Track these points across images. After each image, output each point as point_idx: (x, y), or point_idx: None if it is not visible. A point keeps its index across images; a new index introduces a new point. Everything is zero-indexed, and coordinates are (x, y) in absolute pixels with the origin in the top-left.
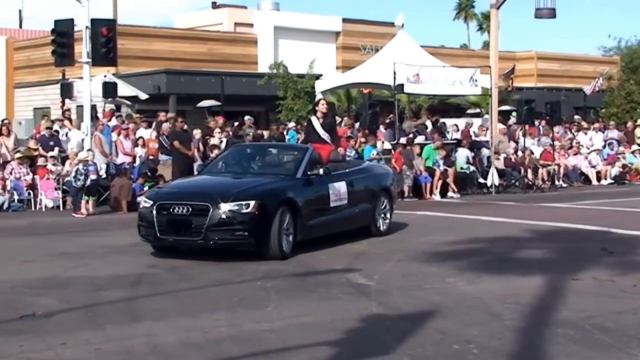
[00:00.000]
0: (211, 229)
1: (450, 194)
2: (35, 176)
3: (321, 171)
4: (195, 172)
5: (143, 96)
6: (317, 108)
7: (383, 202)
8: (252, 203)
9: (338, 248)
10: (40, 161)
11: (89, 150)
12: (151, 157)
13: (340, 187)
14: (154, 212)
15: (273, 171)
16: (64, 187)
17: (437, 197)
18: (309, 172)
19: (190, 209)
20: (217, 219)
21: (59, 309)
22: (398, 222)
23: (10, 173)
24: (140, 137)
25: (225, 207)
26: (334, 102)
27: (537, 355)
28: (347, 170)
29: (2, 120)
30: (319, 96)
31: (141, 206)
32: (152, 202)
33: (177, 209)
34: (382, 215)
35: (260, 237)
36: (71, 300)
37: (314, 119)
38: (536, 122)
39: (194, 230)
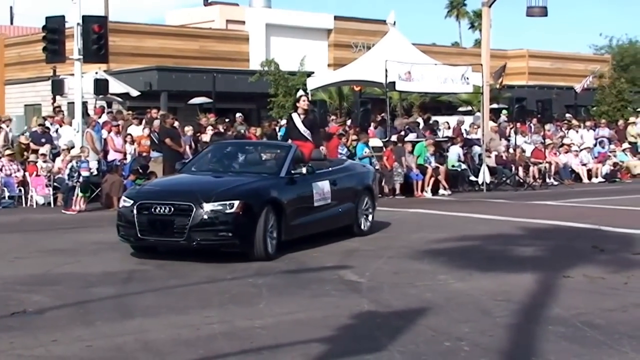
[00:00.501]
0: (194, 229)
1: (441, 191)
2: (26, 173)
3: (304, 170)
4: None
5: (134, 93)
6: (298, 104)
7: (365, 201)
8: (236, 203)
9: (330, 245)
10: (32, 157)
11: (82, 147)
12: (144, 154)
13: (324, 186)
14: (135, 211)
15: (256, 170)
16: (55, 184)
17: (428, 194)
18: (292, 171)
19: (172, 209)
20: (200, 219)
21: (50, 306)
22: (389, 220)
23: (1, 170)
24: (129, 134)
25: (208, 207)
26: (326, 100)
27: (528, 352)
28: (330, 169)
29: None
30: (300, 92)
31: (120, 205)
32: (132, 202)
33: (158, 208)
34: (365, 215)
35: (244, 237)
36: (62, 297)
37: (295, 115)
38: (527, 120)
39: (176, 230)
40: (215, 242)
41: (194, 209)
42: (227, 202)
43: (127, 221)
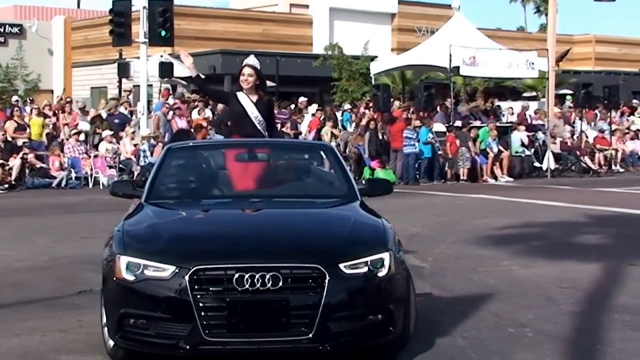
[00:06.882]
0: (330, 315)
1: (505, 177)
2: (91, 153)
3: (364, 185)
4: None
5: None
6: (240, 80)
7: None
8: (385, 257)
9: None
10: (97, 139)
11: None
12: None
13: None
14: (188, 287)
15: (312, 191)
16: (121, 165)
17: (491, 180)
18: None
19: (280, 279)
20: (341, 294)
21: None
22: (453, 205)
23: (71, 150)
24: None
25: (348, 270)
26: (389, 84)
27: (593, 340)
28: None
29: (66, 99)
30: (245, 60)
31: (128, 276)
32: (173, 267)
33: (248, 279)
34: None
35: (400, 318)
36: None
37: (241, 95)
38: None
39: (294, 322)
40: (363, 336)
41: (327, 277)
42: (370, 258)
43: (165, 309)
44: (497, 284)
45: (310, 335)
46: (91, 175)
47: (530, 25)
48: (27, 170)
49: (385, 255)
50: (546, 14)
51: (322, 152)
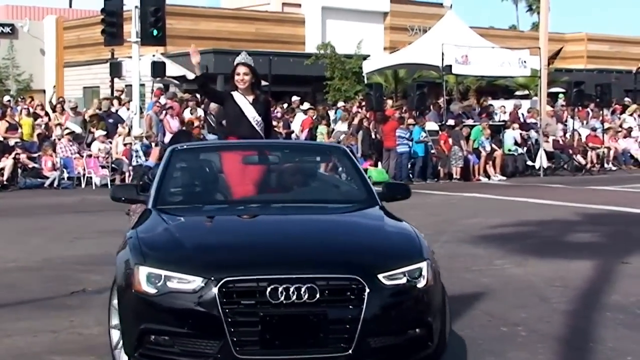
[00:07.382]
0: (370, 330)
1: (498, 175)
2: (84, 153)
3: (381, 188)
4: (135, 210)
5: (191, 76)
6: (235, 80)
7: None
8: (423, 266)
9: None
10: (90, 139)
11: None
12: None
13: None
14: (218, 301)
15: (329, 195)
16: (113, 165)
17: (484, 178)
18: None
19: (316, 291)
20: (381, 307)
21: (109, 286)
22: (446, 204)
23: (63, 150)
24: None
25: (387, 281)
26: (381, 83)
27: (586, 338)
28: None
29: (58, 99)
30: (237, 59)
31: (152, 289)
32: (201, 279)
33: (283, 291)
34: None
35: (438, 331)
36: None
37: (237, 95)
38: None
39: (332, 337)
40: (403, 352)
41: (366, 288)
42: (410, 268)
43: (191, 324)
44: (490, 282)
45: (350, 352)
46: (84, 175)
47: (523, 23)
48: (19, 171)
49: (423, 265)
50: (538, 12)
51: (337, 155)
